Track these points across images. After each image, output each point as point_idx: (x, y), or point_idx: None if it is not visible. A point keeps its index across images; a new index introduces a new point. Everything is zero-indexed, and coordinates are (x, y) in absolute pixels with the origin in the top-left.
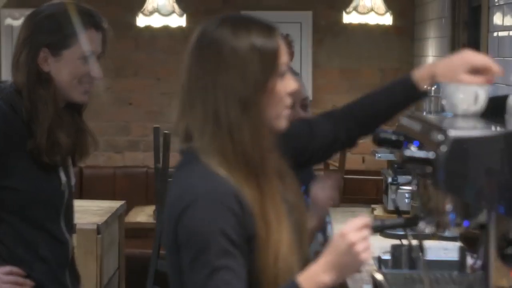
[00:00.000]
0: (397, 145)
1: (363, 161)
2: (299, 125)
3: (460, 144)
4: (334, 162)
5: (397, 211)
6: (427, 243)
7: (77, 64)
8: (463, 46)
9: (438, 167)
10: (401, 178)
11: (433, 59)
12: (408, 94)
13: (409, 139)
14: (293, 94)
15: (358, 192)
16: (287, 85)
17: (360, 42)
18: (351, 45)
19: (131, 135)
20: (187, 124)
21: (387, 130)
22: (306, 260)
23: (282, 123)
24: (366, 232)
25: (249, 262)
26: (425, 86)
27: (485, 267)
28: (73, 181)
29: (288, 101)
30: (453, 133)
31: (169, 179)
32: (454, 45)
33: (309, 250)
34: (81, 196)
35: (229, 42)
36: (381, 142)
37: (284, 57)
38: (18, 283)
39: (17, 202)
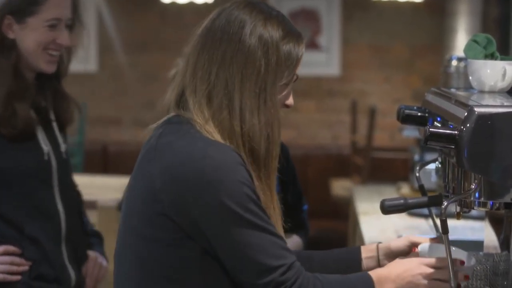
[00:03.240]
0: (421, 121)
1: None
2: None
3: (485, 120)
4: (361, 139)
5: (422, 190)
6: (454, 223)
7: (42, 31)
8: (494, 21)
9: (462, 144)
10: (428, 156)
11: (463, 35)
12: (349, 265)
13: (434, 115)
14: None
15: (386, 170)
16: (288, 97)
17: (390, 18)
18: (381, 21)
19: (156, 111)
20: (183, 91)
21: (411, 107)
22: None
23: None
24: (441, 274)
25: None
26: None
27: (510, 247)
28: (62, 147)
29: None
30: (478, 109)
31: None
32: (485, 21)
33: None
34: (105, 172)
35: (258, 26)
36: (405, 119)
37: (298, 68)
38: (14, 263)
39: None
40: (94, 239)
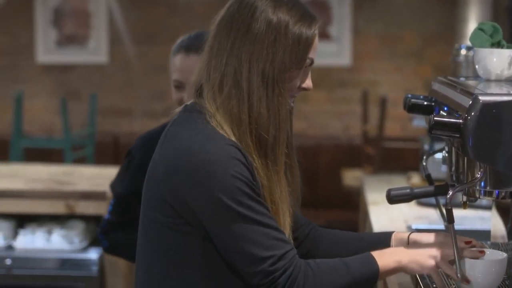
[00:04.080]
0: (428, 110)
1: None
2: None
3: (490, 109)
4: (372, 129)
5: (429, 179)
6: (463, 213)
7: None
8: (505, 10)
9: (467, 133)
10: (438, 145)
11: (474, 24)
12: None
13: (440, 104)
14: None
15: (397, 160)
16: (304, 80)
17: (400, 8)
18: (391, 11)
19: (166, 102)
20: (201, 79)
21: (418, 96)
22: None
23: None
24: (448, 270)
25: None
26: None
27: None
28: None
29: (296, 95)
30: (482, 97)
31: None
32: (496, 9)
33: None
34: (116, 163)
35: (267, 12)
36: (411, 108)
37: (313, 52)
38: None
39: None
40: None
